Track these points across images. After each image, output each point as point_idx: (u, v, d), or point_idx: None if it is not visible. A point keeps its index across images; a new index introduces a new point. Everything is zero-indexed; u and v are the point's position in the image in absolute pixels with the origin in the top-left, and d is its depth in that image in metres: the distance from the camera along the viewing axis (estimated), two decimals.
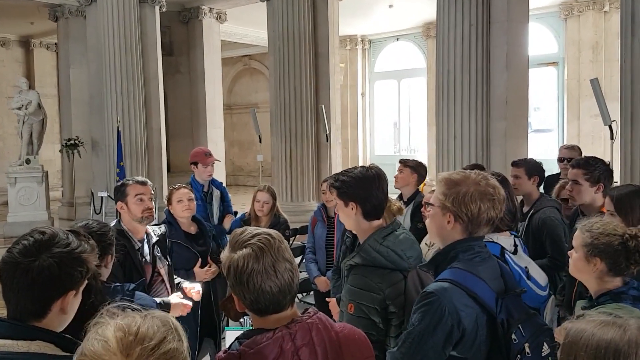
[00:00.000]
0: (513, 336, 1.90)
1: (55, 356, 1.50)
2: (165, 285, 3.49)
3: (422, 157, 13.67)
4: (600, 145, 11.86)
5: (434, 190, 2.17)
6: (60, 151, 11.65)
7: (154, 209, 3.48)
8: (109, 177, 10.13)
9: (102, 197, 10.01)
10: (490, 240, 2.82)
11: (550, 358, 1.91)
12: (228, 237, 1.81)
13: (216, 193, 5.57)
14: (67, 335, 1.56)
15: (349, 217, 2.47)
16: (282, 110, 9.90)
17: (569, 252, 2.31)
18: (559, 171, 5.82)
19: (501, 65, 7.27)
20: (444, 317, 1.88)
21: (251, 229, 1.70)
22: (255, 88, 19.84)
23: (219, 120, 13.12)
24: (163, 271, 3.49)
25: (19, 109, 11.02)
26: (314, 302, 5.27)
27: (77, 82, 11.53)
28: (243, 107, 19.39)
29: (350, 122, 17.03)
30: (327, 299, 3.37)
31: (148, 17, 10.67)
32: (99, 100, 10.44)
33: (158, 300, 3.25)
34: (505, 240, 3.03)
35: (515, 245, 3.08)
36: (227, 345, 1.72)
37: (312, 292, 5.56)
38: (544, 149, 12.65)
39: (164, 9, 11.09)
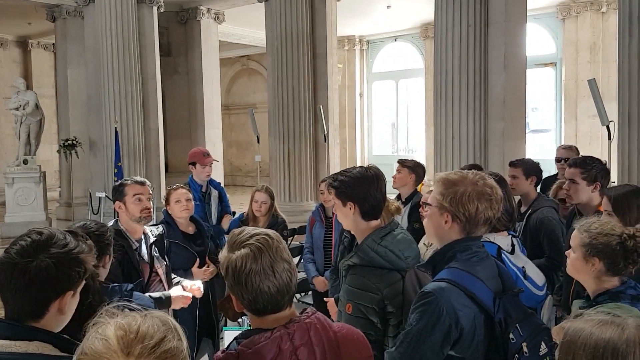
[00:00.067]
0: (511, 336, 1.91)
1: (54, 356, 1.50)
2: (163, 285, 3.48)
3: (420, 157, 13.70)
4: (597, 145, 11.88)
5: (432, 191, 2.17)
6: (58, 151, 11.63)
7: (152, 209, 3.48)
8: (107, 177, 10.11)
9: (99, 197, 10.00)
10: (488, 240, 2.82)
11: (547, 357, 1.91)
12: (226, 237, 1.81)
13: (214, 193, 5.57)
14: (65, 335, 1.56)
15: (347, 217, 2.47)
16: (280, 111, 9.90)
17: (566, 252, 2.32)
18: (556, 172, 5.83)
19: (499, 65, 7.28)
20: (441, 317, 1.89)
21: (249, 229, 1.70)
22: (253, 88, 19.83)
23: (217, 121, 13.11)
24: (161, 271, 3.49)
25: (17, 109, 11.01)
26: (312, 302, 5.28)
27: (74, 82, 11.52)
28: (241, 108, 19.39)
29: (348, 123, 17.04)
30: (325, 299, 3.38)
31: (146, 18, 10.66)
32: (97, 101, 10.42)
33: (158, 294, 3.25)
34: (503, 240, 3.04)
35: (513, 245, 3.08)
36: (226, 345, 1.72)
37: (310, 292, 5.56)
38: (541, 149, 12.68)
39: (161, 10, 11.08)
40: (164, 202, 4.32)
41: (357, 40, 17.09)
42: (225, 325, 4.58)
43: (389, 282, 2.33)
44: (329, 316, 2.83)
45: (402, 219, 4.61)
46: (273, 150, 10.16)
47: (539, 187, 4.69)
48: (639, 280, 2.23)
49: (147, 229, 3.56)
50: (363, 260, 2.37)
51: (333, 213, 4.75)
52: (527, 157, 6.14)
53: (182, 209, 4.09)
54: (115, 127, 9.79)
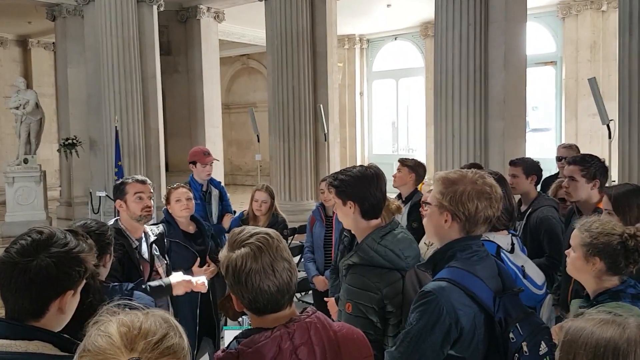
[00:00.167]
0: (511, 335, 1.91)
1: (54, 356, 1.50)
2: None
3: (421, 156, 13.68)
4: (598, 144, 11.88)
5: (432, 190, 2.17)
6: (58, 151, 11.63)
7: (152, 208, 3.48)
8: (107, 176, 10.10)
9: (100, 196, 9.99)
10: (487, 239, 2.82)
11: (547, 357, 1.91)
12: (227, 236, 1.81)
13: (215, 192, 5.57)
14: (65, 335, 1.56)
15: (347, 216, 2.47)
16: (281, 110, 9.89)
17: (566, 252, 2.32)
18: (557, 171, 5.83)
19: (499, 64, 7.28)
20: (441, 316, 1.89)
21: (249, 229, 1.70)
22: (253, 87, 19.83)
23: (217, 120, 13.10)
24: (161, 270, 3.50)
25: (17, 108, 11.01)
26: (312, 302, 5.28)
27: (74, 81, 11.51)
28: (241, 107, 19.38)
29: (348, 122, 17.04)
30: (325, 299, 3.38)
31: (146, 17, 10.64)
32: (97, 100, 10.41)
33: (157, 282, 3.25)
34: (503, 239, 3.04)
35: (513, 244, 3.08)
36: (226, 345, 1.72)
37: (310, 292, 5.56)
38: (541, 148, 12.67)
39: (161, 8, 11.07)
40: (164, 201, 4.32)
41: (357, 39, 17.08)
42: (226, 324, 4.58)
43: (389, 281, 2.33)
44: (330, 316, 2.83)
45: (402, 218, 4.61)
46: (273, 149, 10.16)
47: (539, 186, 4.68)
48: (638, 279, 2.23)
49: (148, 228, 3.56)
50: (363, 260, 2.37)
51: (333, 212, 4.75)
52: (527, 156, 6.15)
53: (182, 208, 4.08)
54: (116, 126, 9.78)
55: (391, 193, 2.97)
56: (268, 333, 1.61)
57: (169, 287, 3.24)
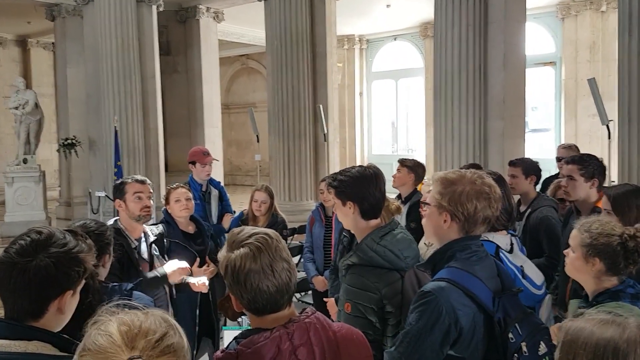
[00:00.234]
0: (510, 335, 1.91)
1: (53, 356, 1.50)
2: None
3: (420, 156, 13.69)
4: (597, 144, 11.88)
5: (431, 190, 2.17)
6: (58, 151, 11.63)
7: (152, 208, 3.48)
8: (107, 176, 10.09)
9: (99, 196, 9.98)
10: (486, 239, 2.82)
11: (547, 357, 1.91)
12: (227, 236, 1.81)
13: (214, 192, 5.56)
14: (64, 335, 1.56)
15: (346, 216, 2.47)
16: (280, 110, 9.89)
17: (565, 252, 2.32)
18: (557, 171, 5.83)
19: (498, 64, 7.28)
20: (441, 317, 1.89)
21: (249, 229, 1.70)
22: (252, 87, 19.83)
23: (217, 120, 13.10)
24: None
25: (16, 108, 11.00)
26: (311, 302, 5.28)
27: (74, 81, 11.51)
28: (241, 107, 19.38)
29: (348, 122, 17.03)
30: (325, 299, 3.38)
31: (145, 17, 10.63)
32: (96, 100, 10.41)
33: (152, 273, 3.24)
34: (502, 239, 3.04)
35: (512, 244, 3.08)
36: (225, 345, 1.72)
37: (310, 292, 5.56)
38: (541, 148, 12.68)
39: (161, 9, 11.06)
40: (163, 202, 4.31)
41: (357, 39, 17.08)
42: (225, 324, 4.58)
43: (388, 281, 2.33)
44: (329, 316, 2.83)
45: (401, 218, 4.61)
46: (273, 150, 10.15)
47: (538, 187, 4.68)
48: (638, 280, 2.23)
49: (147, 228, 3.56)
50: (362, 260, 2.37)
51: (333, 212, 4.76)
52: (526, 156, 6.14)
53: (182, 208, 4.08)
54: (115, 126, 9.77)
55: (391, 193, 2.97)
56: (267, 333, 1.61)
57: (165, 277, 3.23)
